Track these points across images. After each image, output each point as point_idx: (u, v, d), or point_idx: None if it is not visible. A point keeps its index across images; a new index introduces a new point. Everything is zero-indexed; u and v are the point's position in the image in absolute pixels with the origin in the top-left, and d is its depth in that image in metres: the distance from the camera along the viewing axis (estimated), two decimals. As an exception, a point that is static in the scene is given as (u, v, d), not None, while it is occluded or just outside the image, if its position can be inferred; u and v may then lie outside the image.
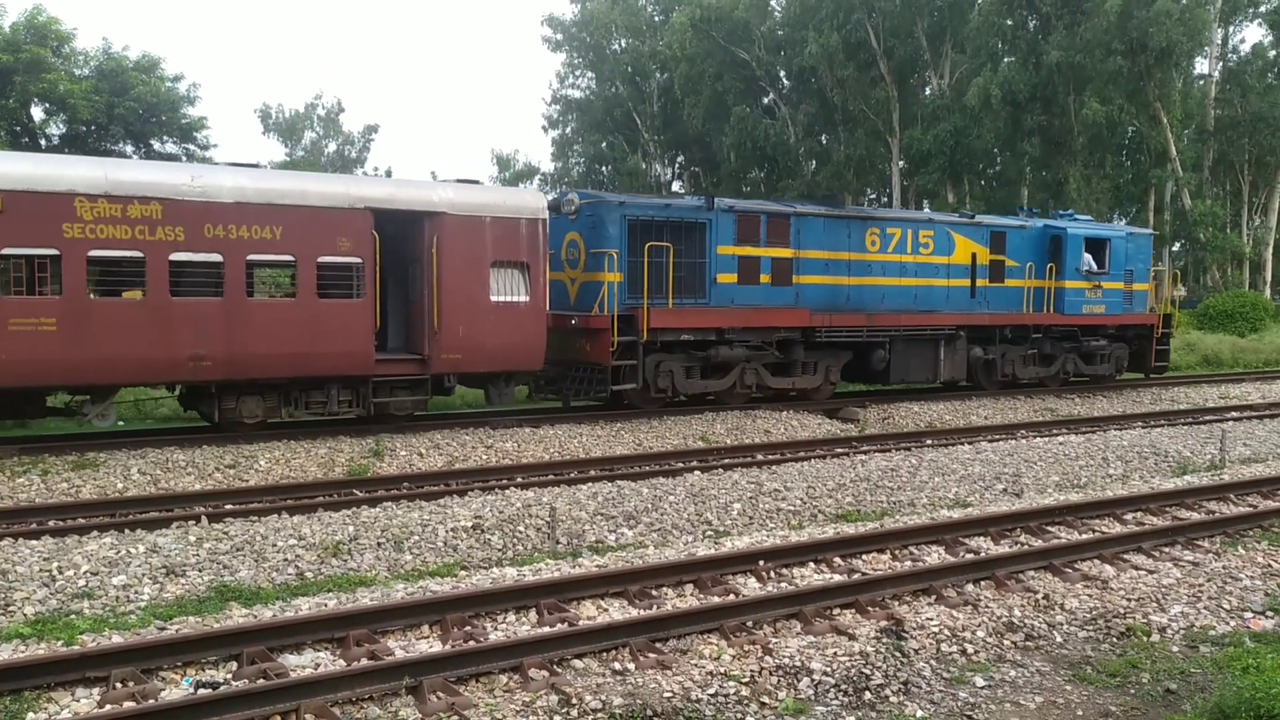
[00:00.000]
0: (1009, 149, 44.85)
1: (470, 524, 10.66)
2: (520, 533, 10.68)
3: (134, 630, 7.63)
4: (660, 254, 17.75)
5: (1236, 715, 6.15)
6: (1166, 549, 9.88)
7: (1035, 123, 42.28)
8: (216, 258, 14.08)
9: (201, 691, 6.43)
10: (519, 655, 6.85)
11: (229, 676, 6.71)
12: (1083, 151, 42.09)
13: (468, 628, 7.59)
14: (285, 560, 9.56)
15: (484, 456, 14.89)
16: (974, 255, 21.77)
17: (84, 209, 13.23)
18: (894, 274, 20.76)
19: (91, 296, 13.58)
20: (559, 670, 6.83)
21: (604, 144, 61.03)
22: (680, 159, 62.96)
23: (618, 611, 8.06)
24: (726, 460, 14.69)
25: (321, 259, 14.73)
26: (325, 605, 8.16)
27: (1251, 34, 79.91)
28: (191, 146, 36.14)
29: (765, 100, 54.12)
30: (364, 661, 6.86)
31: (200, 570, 9.18)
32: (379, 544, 10.10)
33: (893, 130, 48.64)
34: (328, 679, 6.33)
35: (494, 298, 16.14)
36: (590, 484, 12.75)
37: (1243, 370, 29.79)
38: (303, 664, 6.96)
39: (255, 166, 15.71)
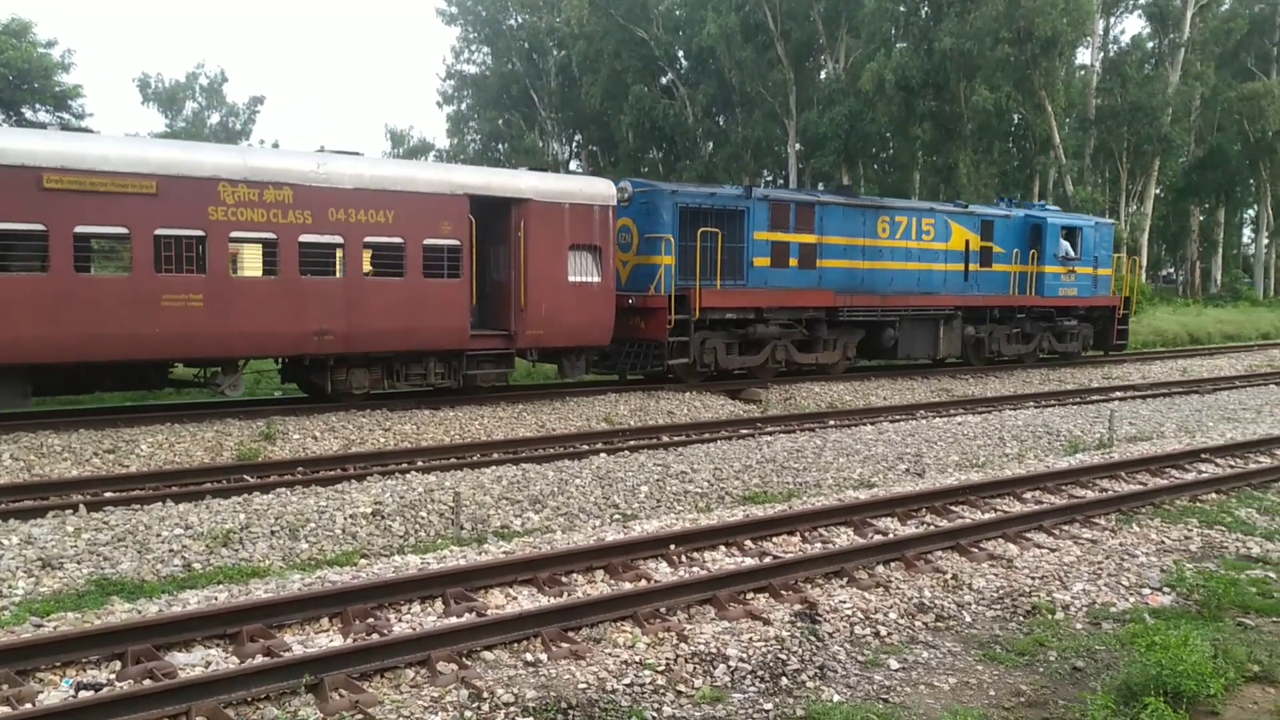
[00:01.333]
0: (902, 134, 45.63)
1: (370, 510, 10.28)
2: (423, 519, 10.34)
3: (8, 628, 7.10)
4: (710, 239, 19.25)
5: (1144, 692, 6.21)
6: (1066, 527, 10.06)
7: (927, 108, 43.06)
8: (338, 239, 15.18)
9: (83, 694, 5.99)
10: (426, 648, 6.55)
11: (112, 677, 6.27)
12: (972, 137, 43.04)
13: (370, 620, 7.25)
14: (171, 551, 9.05)
15: (382, 439, 14.46)
16: (967, 242, 23.74)
17: (226, 193, 14.19)
18: (901, 259, 22.59)
19: (232, 275, 14.62)
20: (468, 663, 6.56)
21: (501, 121, 60.22)
22: (578, 138, 62.50)
23: (527, 600, 7.82)
24: (632, 442, 14.55)
25: (426, 241, 15.89)
26: (215, 599, 7.72)
27: (1131, 25, 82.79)
28: (66, 115, 34.39)
29: (664, 80, 54.06)
30: (259, 659, 6.48)
31: (79, 563, 8.63)
32: (273, 532, 9.66)
33: (790, 113, 49.04)
34: (221, 679, 5.95)
35: (571, 278, 17.45)
36: (494, 467, 12.47)
37: (1122, 354, 30.77)
38: (192, 663, 6.54)
39: (359, 155, 16.55)
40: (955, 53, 40.08)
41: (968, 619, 7.84)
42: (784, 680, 6.61)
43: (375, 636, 6.91)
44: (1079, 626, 7.77)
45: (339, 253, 15.28)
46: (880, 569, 8.66)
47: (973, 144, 43.19)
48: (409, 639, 6.63)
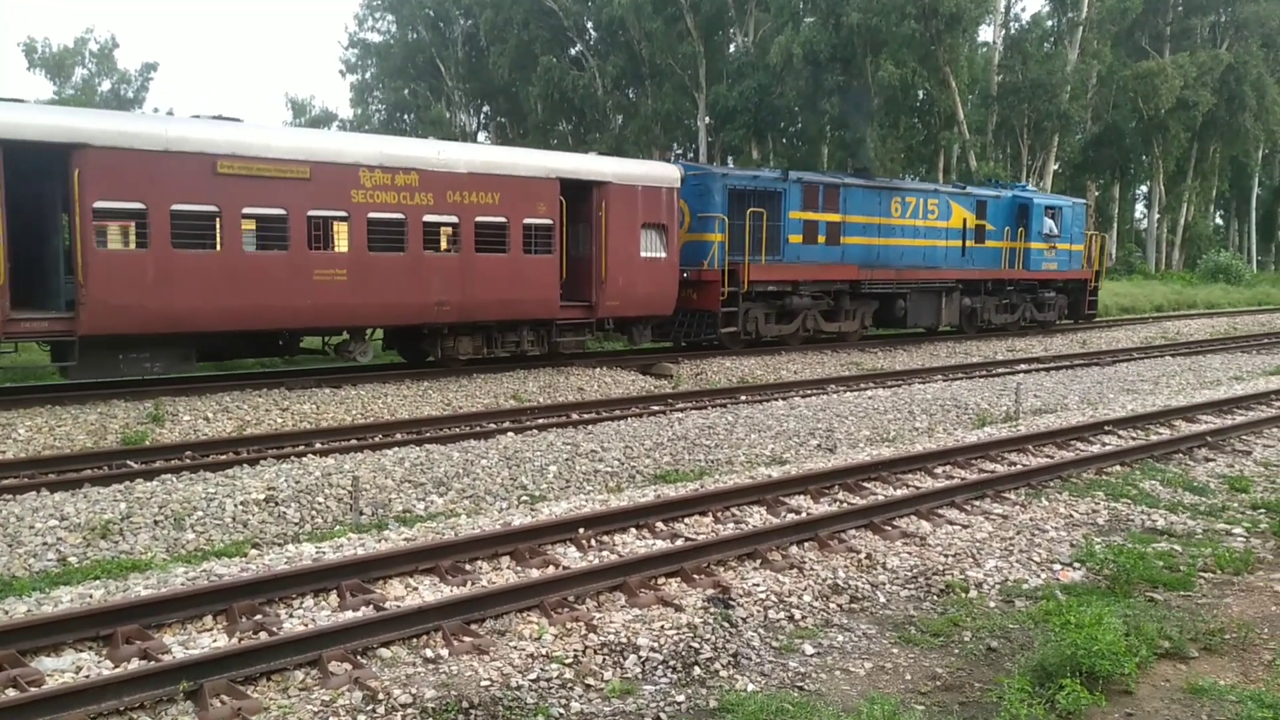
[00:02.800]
0: (810, 108, 45.75)
1: (263, 496, 9.76)
2: (319, 504, 9.86)
3: None
4: (756, 218, 20.94)
5: (1059, 672, 6.12)
6: (978, 502, 10.01)
7: (835, 83, 43.22)
8: (454, 219, 16.70)
9: (-68, 710, 5.46)
10: (317, 647, 6.14)
11: (-32, 689, 5.74)
12: (879, 112, 43.36)
13: (258, 617, 6.81)
14: (44, 544, 8.46)
15: (278, 420, 13.86)
16: (965, 220, 25.84)
17: (365, 177, 15.65)
18: (911, 236, 24.57)
19: (370, 252, 15.78)
20: (363, 661, 6.17)
21: (406, 91, 58.81)
22: (486, 109, 61.42)
23: (429, 590, 7.44)
24: (541, 420, 14.20)
25: (525, 220, 17.45)
26: (91, 596, 7.18)
27: (1032, 3, 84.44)
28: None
29: (573, 51, 53.31)
30: (135, 664, 6.01)
31: (-62, 560, 7.99)
32: (156, 522, 9.10)
33: (699, 86, 48.80)
34: (90, 687, 5.47)
35: (643, 254, 19.17)
36: (396, 448, 12.00)
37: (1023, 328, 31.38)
38: (61, 669, 6.03)
39: (475, 143, 18.52)
40: (862, 28, 40.27)
41: (882, 599, 7.69)
42: (697, 670, 6.37)
43: (263, 635, 6.48)
44: (992, 605, 7.68)
45: (454, 231, 16.87)
46: (794, 549, 8.48)
47: (879, 119, 43.51)
48: (299, 638, 6.22)
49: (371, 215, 15.73)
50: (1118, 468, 11.62)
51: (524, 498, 10.70)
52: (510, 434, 12.99)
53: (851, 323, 23.68)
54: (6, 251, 13.15)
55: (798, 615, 7.27)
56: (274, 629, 6.60)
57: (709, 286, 20.33)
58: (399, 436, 13.09)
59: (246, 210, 14.70)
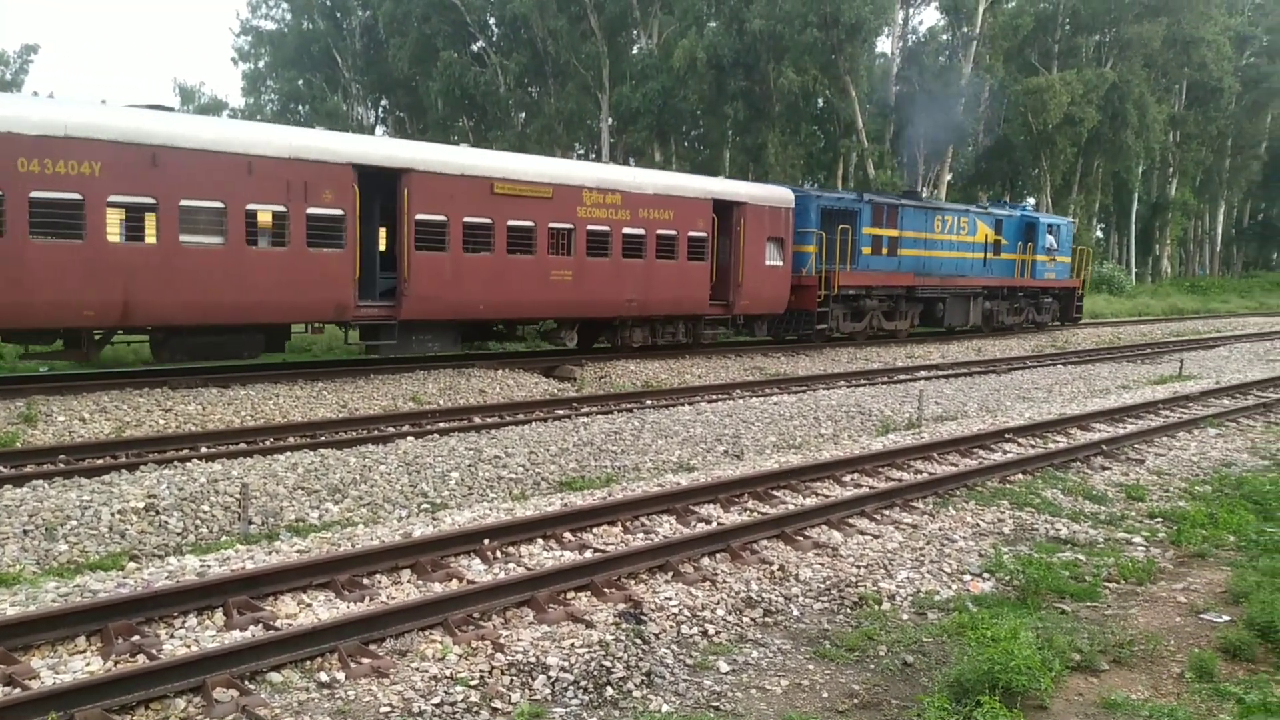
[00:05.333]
0: (713, 112, 45.89)
1: (142, 504, 9.16)
2: (204, 513, 9.30)
3: None
4: (845, 234, 24.78)
5: (977, 689, 6.02)
6: (887, 511, 9.96)
7: (738, 88, 43.41)
8: (642, 232, 20.15)
9: None
10: (201, 672, 5.69)
11: None
12: (780, 119, 43.70)
13: (136, 637, 6.30)
14: (-104, 559, 7.75)
15: (160, 422, 13.13)
16: (986, 236, 29.98)
17: (587, 197, 19.11)
18: (948, 249, 28.58)
19: (588, 257, 19.14)
20: (251, 687, 5.74)
21: (301, 82, 57.19)
22: (385, 102, 60.11)
23: (324, 607, 7.01)
24: (442, 424, 13.77)
25: (689, 233, 21.08)
26: (-53, 617, 6.57)
27: (929, 17, 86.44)
28: None
29: (475, 47, 52.49)
30: (-5, 694, 5.48)
31: None
32: (26, 532, 8.46)
33: (603, 86, 48.53)
34: (-59, 723, 4.96)
35: (767, 262, 22.99)
36: (289, 453, 11.45)
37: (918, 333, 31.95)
38: (-91, 701, 5.46)
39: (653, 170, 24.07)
40: (765, 34, 40.51)
41: (796, 613, 7.54)
42: (609, 690, 6.10)
43: (141, 659, 6.00)
44: (906, 617, 7.59)
45: (642, 241, 20.16)
46: (706, 561, 8.27)
47: (781, 125, 43.86)
48: (181, 661, 5.75)
49: (589, 228, 19.21)
50: (1020, 476, 11.73)
51: (425, 506, 10.29)
52: (410, 438, 12.53)
53: (904, 322, 27.62)
54: (360, 251, 16.23)
55: (711, 630, 7.06)
56: (154, 651, 6.11)
57: (807, 290, 24.18)
58: (291, 440, 12.52)
59: (510, 222, 17.90)
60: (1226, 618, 7.61)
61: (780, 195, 23.71)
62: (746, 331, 24.52)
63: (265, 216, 15.18)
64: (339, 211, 15.69)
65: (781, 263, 23.35)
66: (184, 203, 14.17)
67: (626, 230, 19.81)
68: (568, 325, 20.20)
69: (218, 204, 14.52)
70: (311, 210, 15.40)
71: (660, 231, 20.47)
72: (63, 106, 13.82)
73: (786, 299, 23.63)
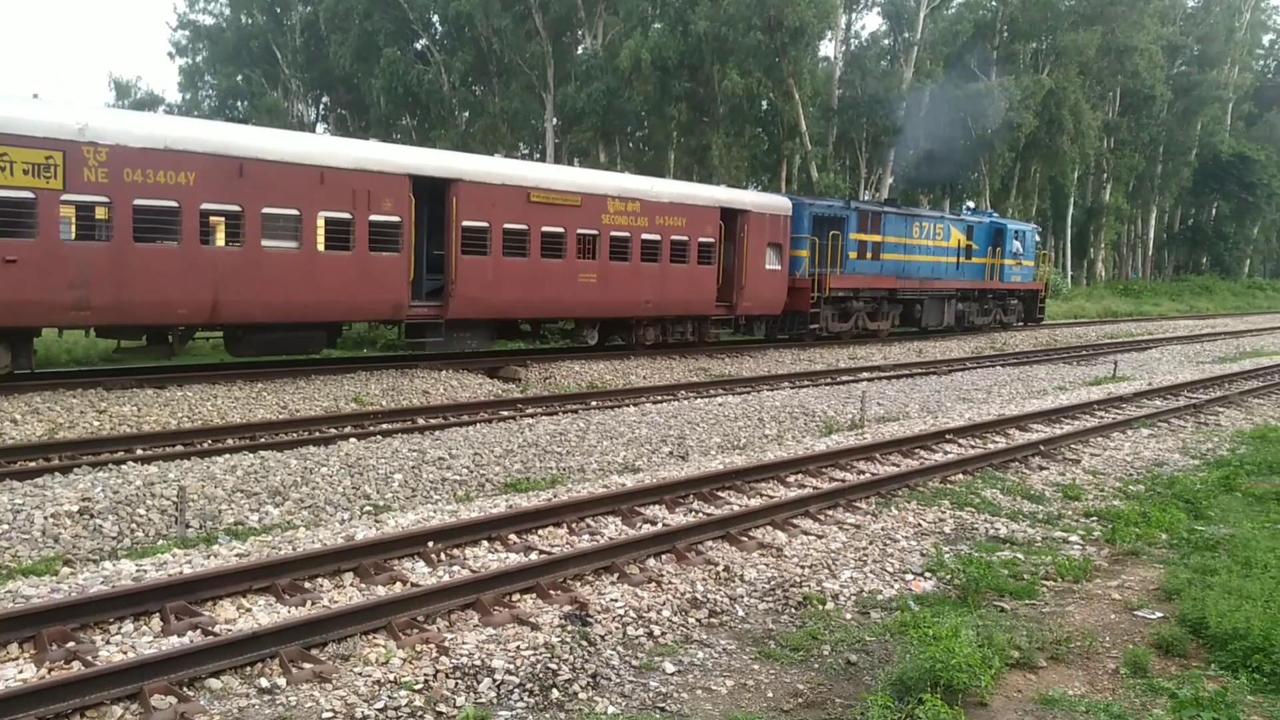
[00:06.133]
0: (658, 113, 45.94)
1: (76, 508, 8.96)
2: (141, 516, 9.11)
3: None
4: (835, 239, 26.44)
5: (919, 687, 6.10)
6: (831, 512, 10.05)
7: (682, 89, 43.52)
8: (658, 237, 21.70)
9: None
10: (138, 679, 5.57)
11: None
12: (724, 120, 43.90)
13: (71, 644, 6.16)
14: None
15: (95, 423, 12.85)
16: (959, 241, 31.71)
17: (610, 205, 20.56)
18: (926, 254, 30.21)
19: (610, 261, 20.58)
20: (190, 694, 5.63)
21: (239, 78, 56.25)
22: (326, 100, 59.32)
23: (264, 612, 6.90)
24: (385, 425, 13.64)
25: (700, 239, 22.63)
26: None
27: (871, 22, 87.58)
28: None
29: (418, 45, 52.01)
30: (-79, 705, 5.31)
31: None
32: (-48, 538, 8.21)
33: (547, 86, 48.37)
34: None
35: (767, 267, 24.62)
36: (227, 455, 11.27)
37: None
38: None
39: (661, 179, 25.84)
40: (710, 36, 40.64)
41: (741, 613, 7.57)
42: (555, 693, 6.08)
43: (76, 666, 5.86)
44: (849, 617, 7.66)
45: (658, 246, 21.65)
46: (652, 562, 8.28)
47: (725, 127, 44.06)
48: (117, 668, 5.63)
49: (612, 234, 20.59)
50: (961, 476, 11.90)
51: (368, 508, 10.18)
52: (353, 440, 12.39)
53: (886, 322, 29.25)
54: (416, 255, 17.50)
55: (657, 631, 7.07)
56: (89, 658, 5.97)
57: (801, 292, 25.68)
58: (230, 442, 12.31)
59: (543, 228, 19.20)
60: (1159, 614, 7.79)
61: (779, 204, 25.43)
62: (747, 331, 26.03)
63: (334, 223, 16.37)
64: (397, 219, 16.95)
65: (779, 267, 24.98)
66: (265, 210, 15.39)
67: (645, 236, 21.33)
68: (589, 324, 21.43)
69: (294, 211, 15.75)
70: (373, 217, 16.65)
71: (674, 237, 22.00)
72: (163, 121, 16.17)
73: (783, 300, 25.23)
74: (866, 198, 52.71)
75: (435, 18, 51.34)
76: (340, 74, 51.99)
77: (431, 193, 17.75)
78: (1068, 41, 52.73)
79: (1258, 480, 12.40)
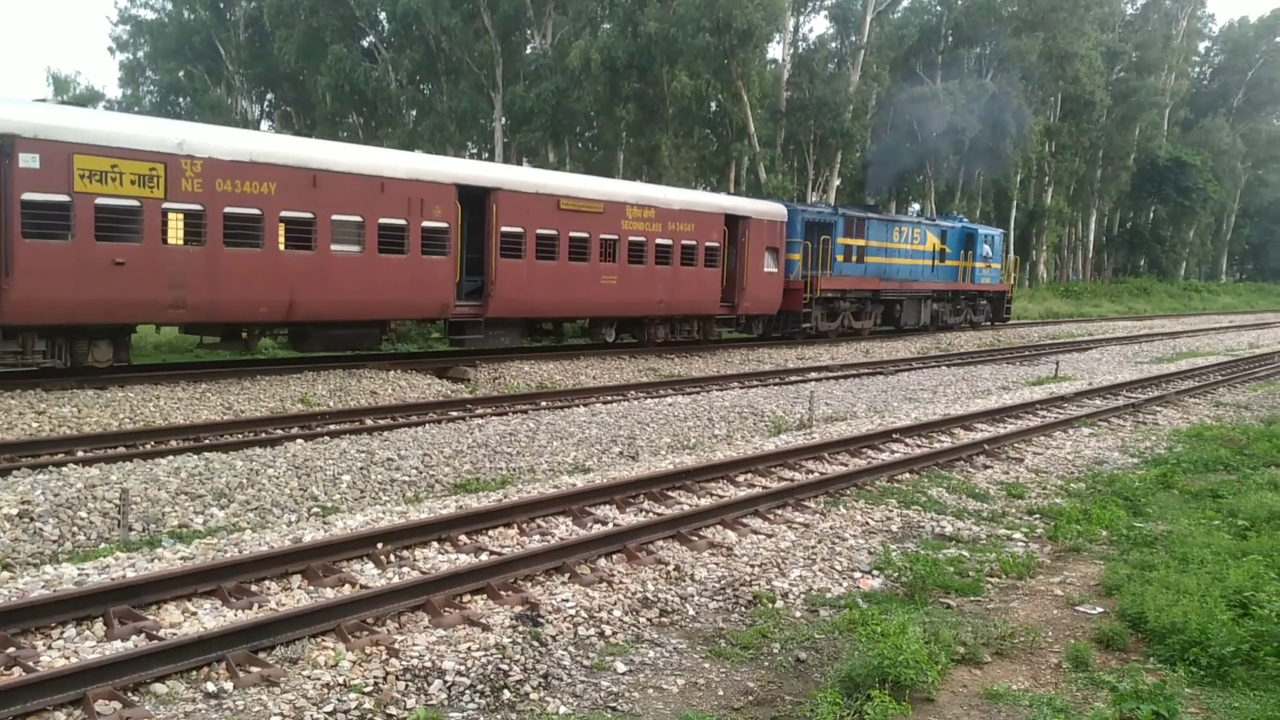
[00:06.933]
0: (607, 114, 45.93)
1: (15, 511, 8.79)
2: (82, 520, 8.95)
3: None
4: (825, 244, 28.18)
5: (867, 683, 6.17)
6: (780, 511, 10.13)
7: (632, 90, 43.56)
8: (670, 242, 23.21)
9: None
10: (81, 684, 5.48)
11: None
12: (673, 121, 44.02)
13: (11, 650, 6.03)
14: None
15: (34, 425, 12.59)
16: (934, 245, 33.52)
17: (629, 211, 22.21)
18: (905, 257, 32.03)
19: (629, 264, 22.17)
20: (135, 699, 5.55)
21: (181, 74, 55.32)
22: (271, 96, 58.52)
23: (210, 616, 6.81)
24: (333, 426, 13.51)
25: (706, 243, 24.24)
26: None
27: (819, 25, 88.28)
28: None
29: (365, 42, 51.50)
30: None
31: None
32: (-115, 542, 8.00)
33: (496, 85, 48.15)
34: None
35: (765, 269, 26.38)
36: (171, 457, 11.11)
37: (810, 338, 32.53)
38: None
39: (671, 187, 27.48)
40: (659, 37, 40.71)
41: (691, 612, 7.61)
42: (506, 693, 6.07)
43: (17, 672, 5.74)
44: (799, 615, 7.73)
45: (669, 250, 23.12)
46: (602, 562, 8.29)
47: (674, 128, 44.17)
48: (60, 674, 5.53)
49: (630, 238, 22.08)
50: (907, 475, 12.05)
51: (315, 510, 10.08)
52: (299, 441, 12.26)
53: (869, 321, 30.98)
54: (462, 258, 18.91)
55: (608, 631, 7.08)
56: (31, 663, 5.86)
57: (795, 293, 27.40)
58: (173, 443, 12.13)
59: (571, 233, 20.66)
60: (1100, 610, 7.96)
61: (776, 210, 27.31)
62: (746, 330, 27.94)
63: (392, 229, 17.57)
64: (445, 225, 18.33)
65: (776, 269, 26.76)
66: (335, 217, 16.73)
67: (659, 241, 22.86)
68: (608, 323, 22.87)
69: (358, 218, 17.10)
70: (425, 223, 17.98)
71: (684, 242, 23.56)
72: (249, 136, 17.49)
73: (779, 301, 26.97)
74: (814, 199, 53.36)
75: (382, 15, 50.87)
76: (285, 71, 51.29)
77: (471, 201, 19.04)
78: (1011, 47, 53.56)
79: (1194, 478, 12.72)
